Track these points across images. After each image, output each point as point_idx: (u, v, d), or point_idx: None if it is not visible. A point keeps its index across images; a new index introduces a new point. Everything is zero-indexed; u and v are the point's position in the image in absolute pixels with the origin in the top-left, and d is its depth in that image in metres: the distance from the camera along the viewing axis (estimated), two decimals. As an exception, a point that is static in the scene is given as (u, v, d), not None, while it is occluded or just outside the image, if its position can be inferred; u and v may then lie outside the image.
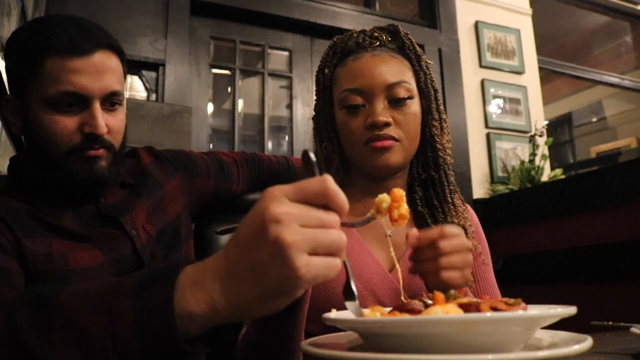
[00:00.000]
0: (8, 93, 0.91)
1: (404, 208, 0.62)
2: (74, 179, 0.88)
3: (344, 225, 0.49)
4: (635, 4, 4.24)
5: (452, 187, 0.96)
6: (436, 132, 0.95)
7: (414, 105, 0.92)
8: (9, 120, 0.91)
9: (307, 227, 0.44)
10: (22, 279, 0.80)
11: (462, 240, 0.74)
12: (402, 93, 0.90)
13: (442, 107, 0.97)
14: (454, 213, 0.93)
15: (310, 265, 0.43)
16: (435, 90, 0.96)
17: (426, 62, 0.97)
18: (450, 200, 0.94)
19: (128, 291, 0.46)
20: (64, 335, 0.47)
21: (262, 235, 0.43)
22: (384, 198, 0.62)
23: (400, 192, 0.62)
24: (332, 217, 0.46)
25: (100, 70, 0.87)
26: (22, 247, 0.82)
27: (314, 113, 1.01)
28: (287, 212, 0.43)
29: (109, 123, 0.90)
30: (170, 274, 0.46)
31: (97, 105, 0.87)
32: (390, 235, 0.92)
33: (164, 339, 0.45)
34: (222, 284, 0.45)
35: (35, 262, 0.82)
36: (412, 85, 0.93)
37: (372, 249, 0.91)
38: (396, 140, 0.89)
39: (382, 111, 0.88)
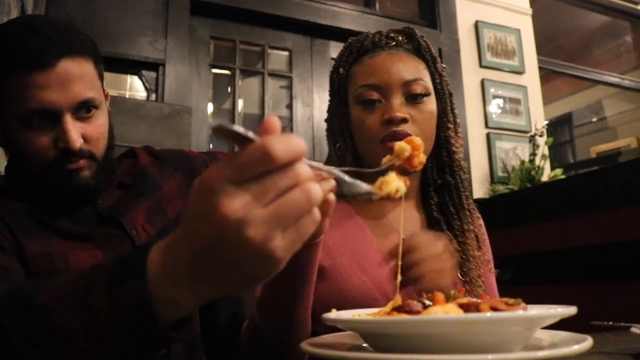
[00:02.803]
0: None
1: (423, 156, 0.66)
2: (58, 192, 0.87)
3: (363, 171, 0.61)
4: (635, 4, 4.24)
5: (467, 193, 0.94)
6: (451, 134, 0.94)
7: (431, 104, 0.91)
8: None
9: (268, 204, 0.39)
10: (22, 277, 0.79)
11: (434, 249, 0.74)
12: (419, 89, 0.89)
13: (456, 111, 0.97)
14: (469, 220, 0.92)
15: (286, 246, 0.41)
16: (450, 94, 0.96)
17: (441, 65, 0.96)
18: (466, 207, 0.93)
19: (102, 286, 0.46)
20: (50, 338, 0.47)
21: (227, 239, 0.39)
22: (405, 147, 0.65)
23: (419, 141, 0.65)
24: (290, 175, 0.40)
25: (65, 81, 0.82)
26: (21, 247, 0.82)
27: (326, 114, 1.01)
28: (242, 206, 0.39)
29: (86, 132, 0.86)
30: (138, 264, 0.45)
31: (67, 119, 0.83)
32: (404, 239, 0.91)
33: (148, 330, 0.44)
34: (198, 274, 0.43)
35: (34, 262, 0.82)
36: (429, 83, 0.92)
37: (382, 246, 0.90)
38: None
39: (399, 107, 0.87)
